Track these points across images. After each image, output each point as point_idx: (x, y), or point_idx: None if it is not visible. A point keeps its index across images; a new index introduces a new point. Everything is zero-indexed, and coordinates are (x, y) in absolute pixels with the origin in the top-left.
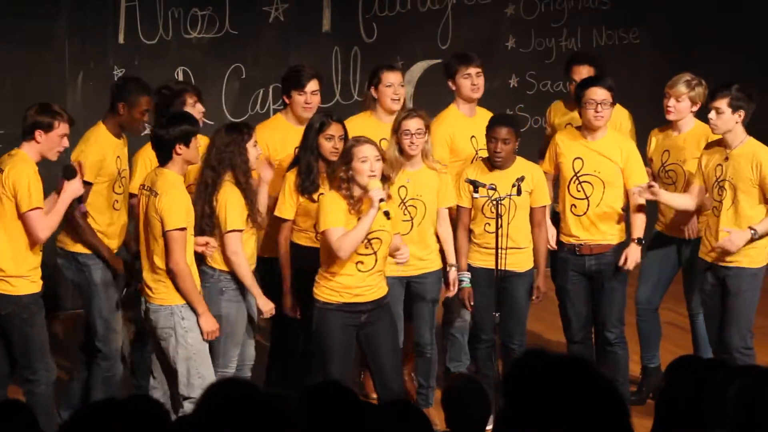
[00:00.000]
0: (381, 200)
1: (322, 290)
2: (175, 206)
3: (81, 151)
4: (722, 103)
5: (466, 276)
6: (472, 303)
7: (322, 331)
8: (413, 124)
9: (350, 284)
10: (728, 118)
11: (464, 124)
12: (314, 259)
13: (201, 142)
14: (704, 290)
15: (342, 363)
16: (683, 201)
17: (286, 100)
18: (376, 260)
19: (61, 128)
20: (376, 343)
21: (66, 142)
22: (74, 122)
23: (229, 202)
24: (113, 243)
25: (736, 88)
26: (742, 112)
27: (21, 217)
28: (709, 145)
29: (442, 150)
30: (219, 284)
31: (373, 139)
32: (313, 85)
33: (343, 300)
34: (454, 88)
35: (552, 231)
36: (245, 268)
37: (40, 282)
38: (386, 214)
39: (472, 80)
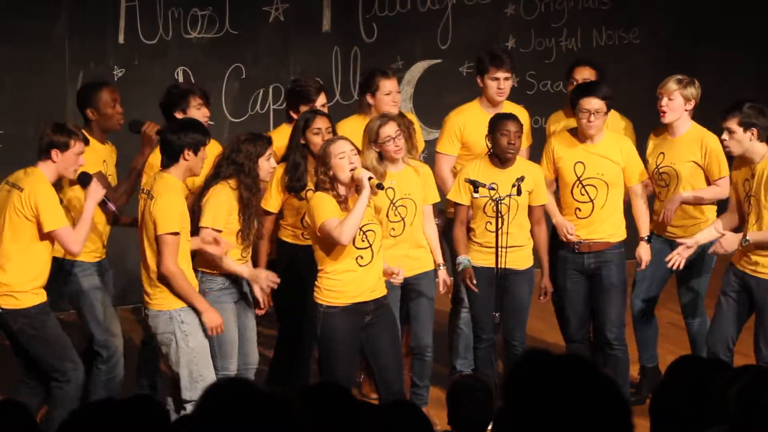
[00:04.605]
0: (370, 178)
1: (324, 293)
2: (168, 210)
3: None
4: (733, 123)
5: (466, 259)
6: (474, 282)
7: (328, 334)
8: (391, 128)
9: (353, 281)
10: (741, 137)
11: (482, 119)
12: (300, 256)
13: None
14: (725, 291)
15: (348, 366)
16: (728, 222)
17: (294, 115)
18: (372, 254)
19: (77, 147)
20: (379, 343)
21: (82, 160)
22: (88, 142)
23: (213, 198)
24: (99, 248)
25: (747, 106)
26: (754, 130)
27: (49, 235)
28: (737, 162)
29: (449, 141)
30: (201, 285)
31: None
32: (321, 99)
33: (347, 301)
34: (481, 85)
35: (570, 225)
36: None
37: (44, 292)
38: (379, 186)
39: (498, 83)
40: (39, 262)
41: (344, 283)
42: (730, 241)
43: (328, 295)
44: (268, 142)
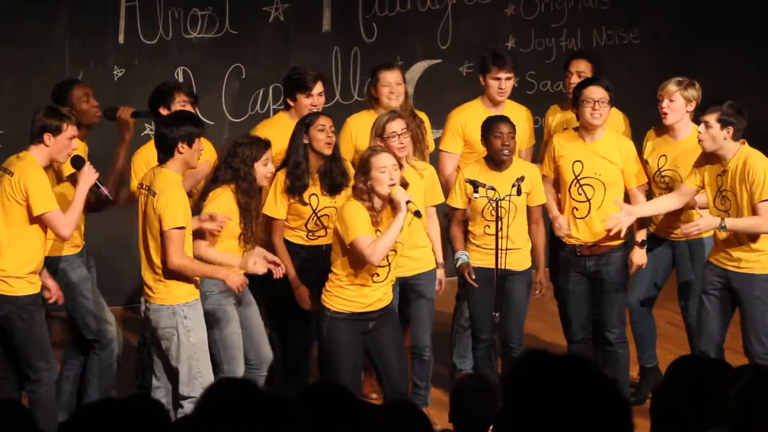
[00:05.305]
0: (408, 202)
1: (333, 299)
2: (173, 205)
3: None
4: (711, 118)
5: (464, 254)
6: (473, 277)
7: (333, 338)
8: (398, 124)
9: (364, 293)
10: (717, 134)
11: (483, 117)
12: (303, 257)
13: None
14: (705, 291)
15: (352, 371)
16: (666, 203)
17: (291, 103)
18: (388, 271)
19: (70, 131)
20: (384, 345)
21: (74, 145)
22: (81, 125)
23: (213, 202)
24: (78, 237)
25: (728, 104)
26: (731, 129)
27: (39, 219)
28: (705, 155)
29: (452, 140)
30: (202, 288)
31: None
32: (318, 87)
33: (354, 310)
34: (483, 84)
35: (563, 219)
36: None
37: (39, 283)
38: (417, 213)
39: (500, 84)
40: (32, 246)
41: (355, 294)
42: (708, 224)
43: (336, 302)
44: (266, 146)
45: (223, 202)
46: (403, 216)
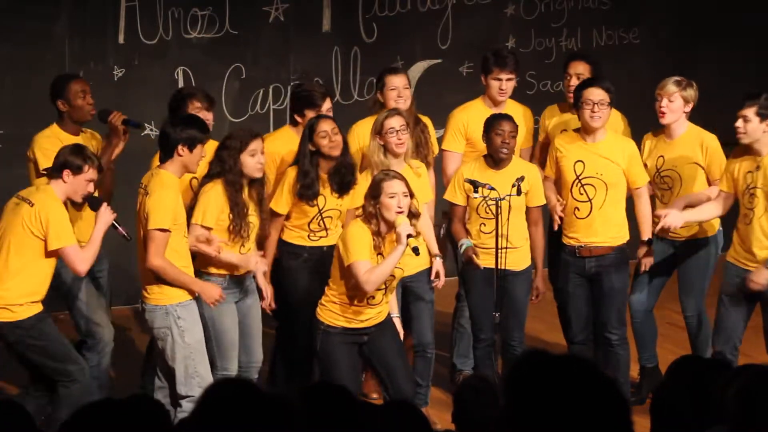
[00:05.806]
0: (409, 236)
1: (327, 313)
2: (161, 206)
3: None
4: (750, 112)
5: (467, 240)
6: (479, 258)
7: (327, 350)
8: (396, 121)
9: (359, 312)
10: (756, 127)
11: (485, 116)
12: (304, 257)
13: (210, 147)
14: (727, 291)
15: (350, 376)
16: (709, 212)
17: (299, 119)
18: (384, 294)
19: (90, 174)
20: (383, 350)
21: (91, 188)
22: (102, 169)
23: (203, 196)
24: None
25: (765, 96)
26: None
27: (56, 253)
28: (738, 152)
29: (454, 138)
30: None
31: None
32: (327, 104)
33: (347, 326)
34: (484, 84)
35: (559, 208)
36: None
37: (40, 304)
38: (415, 250)
39: (501, 84)
40: (39, 278)
41: (349, 312)
42: (764, 276)
43: (331, 316)
44: (252, 136)
45: (212, 195)
46: (403, 249)
